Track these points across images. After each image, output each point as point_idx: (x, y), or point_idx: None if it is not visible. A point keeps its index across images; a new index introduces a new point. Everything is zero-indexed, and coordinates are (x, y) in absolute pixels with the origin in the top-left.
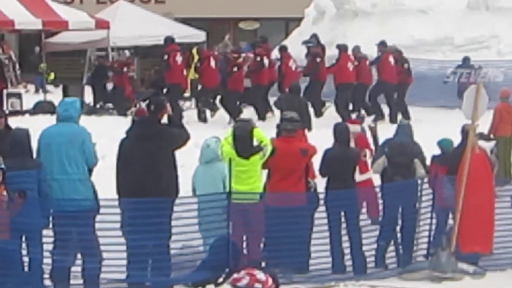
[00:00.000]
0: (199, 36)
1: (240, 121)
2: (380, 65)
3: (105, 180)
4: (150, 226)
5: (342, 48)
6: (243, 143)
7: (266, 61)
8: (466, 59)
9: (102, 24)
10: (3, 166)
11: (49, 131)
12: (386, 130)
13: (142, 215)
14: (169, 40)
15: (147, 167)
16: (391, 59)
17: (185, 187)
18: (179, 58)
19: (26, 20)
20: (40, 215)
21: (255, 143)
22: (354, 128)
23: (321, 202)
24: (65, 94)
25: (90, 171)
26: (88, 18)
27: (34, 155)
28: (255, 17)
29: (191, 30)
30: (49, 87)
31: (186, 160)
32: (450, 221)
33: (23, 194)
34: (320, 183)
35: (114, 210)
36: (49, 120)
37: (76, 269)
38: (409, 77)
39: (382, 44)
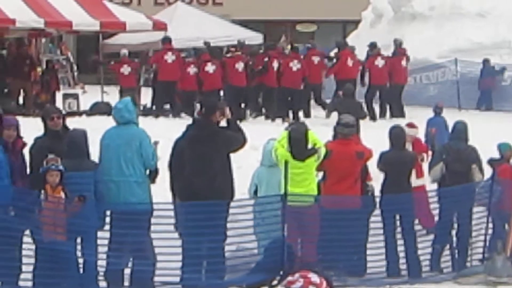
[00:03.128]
0: (256, 38)
1: (295, 123)
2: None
3: (162, 182)
4: (204, 229)
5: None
6: (299, 146)
7: (275, 64)
8: (485, 61)
9: (160, 26)
10: (61, 167)
11: (110, 133)
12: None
13: (197, 218)
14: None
15: (199, 170)
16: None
17: (241, 189)
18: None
19: (84, 22)
20: (96, 216)
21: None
22: (412, 131)
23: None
24: (122, 95)
25: (151, 173)
26: (145, 19)
27: (93, 156)
28: (313, 19)
29: (248, 32)
30: (107, 88)
31: (243, 162)
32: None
33: (83, 198)
34: (376, 186)
35: (168, 213)
36: (105, 121)
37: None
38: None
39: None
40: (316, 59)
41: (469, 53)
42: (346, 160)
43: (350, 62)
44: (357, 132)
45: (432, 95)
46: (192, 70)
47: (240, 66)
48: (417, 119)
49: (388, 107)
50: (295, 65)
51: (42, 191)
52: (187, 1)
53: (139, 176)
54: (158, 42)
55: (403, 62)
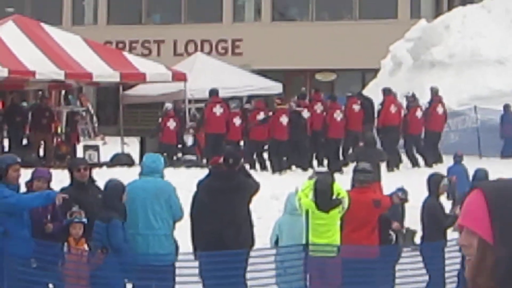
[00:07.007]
0: (276, 87)
1: (320, 173)
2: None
3: (181, 232)
4: (225, 279)
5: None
6: (324, 196)
7: (305, 113)
8: (506, 107)
9: (179, 76)
10: (84, 220)
11: (134, 186)
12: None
13: (220, 268)
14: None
15: (227, 220)
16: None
17: (263, 239)
18: (218, 110)
19: (104, 73)
20: (117, 268)
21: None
22: None
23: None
24: (142, 146)
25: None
26: (165, 70)
27: None
28: (332, 68)
29: (268, 82)
30: (127, 139)
31: (263, 212)
32: None
33: (106, 250)
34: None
35: (191, 264)
36: (126, 172)
37: None
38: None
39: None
40: (357, 107)
41: (488, 101)
42: (362, 209)
43: (393, 109)
44: (378, 179)
45: (452, 143)
46: (237, 121)
47: (284, 120)
48: (437, 167)
49: (421, 157)
50: (338, 116)
51: (65, 244)
52: (207, 51)
53: (167, 228)
54: (178, 93)
55: (439, 110)
